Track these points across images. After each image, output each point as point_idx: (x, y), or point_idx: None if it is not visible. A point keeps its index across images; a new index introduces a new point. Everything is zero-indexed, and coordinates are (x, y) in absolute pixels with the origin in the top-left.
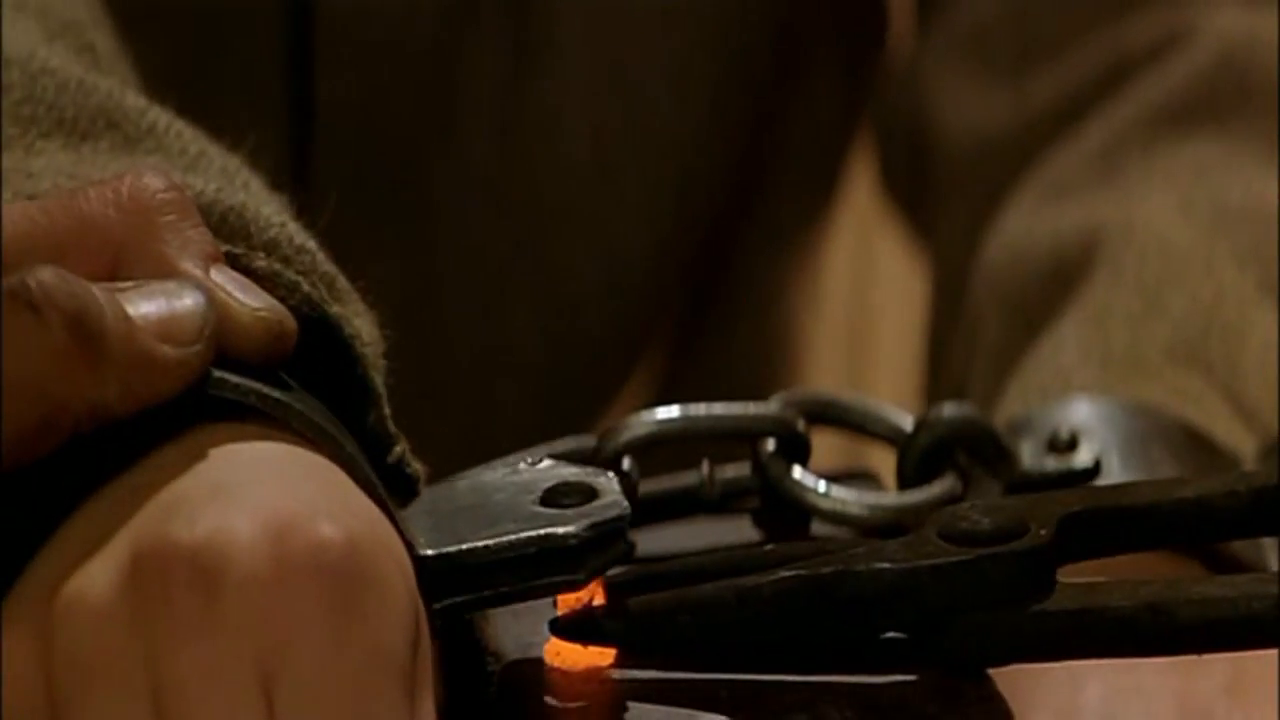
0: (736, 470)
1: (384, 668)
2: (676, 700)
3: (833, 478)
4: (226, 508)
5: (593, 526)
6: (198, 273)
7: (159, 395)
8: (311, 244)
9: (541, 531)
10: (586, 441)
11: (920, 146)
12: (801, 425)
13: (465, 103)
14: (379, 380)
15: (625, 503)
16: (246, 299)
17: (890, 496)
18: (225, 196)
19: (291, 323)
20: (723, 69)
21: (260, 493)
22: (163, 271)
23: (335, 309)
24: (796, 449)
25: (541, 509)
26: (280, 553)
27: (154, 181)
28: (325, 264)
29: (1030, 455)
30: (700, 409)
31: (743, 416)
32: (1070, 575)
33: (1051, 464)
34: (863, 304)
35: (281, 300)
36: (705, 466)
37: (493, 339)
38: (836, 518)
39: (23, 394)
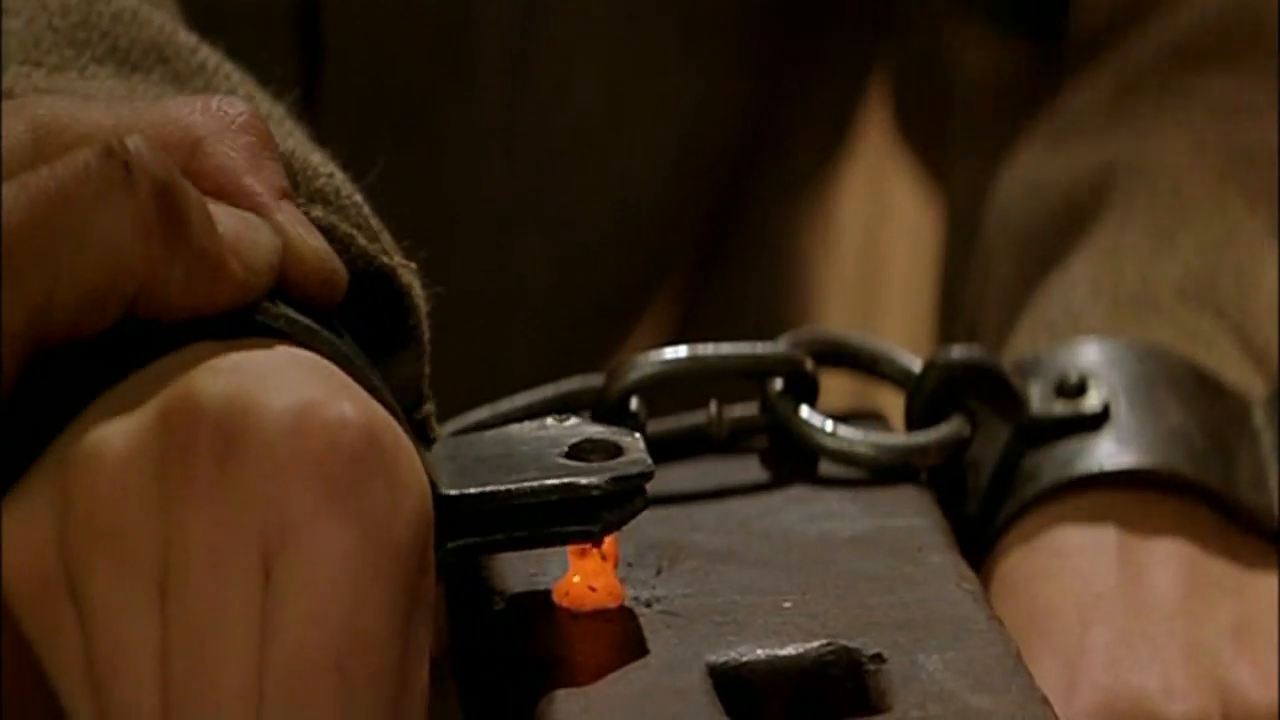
0: (745, 410)
1: (383, 559)
2: (684, 637)
3: (840, 418)
4: (257, 378)
5: (615, 480)
6: (268, 198)
7: (214, 306)
8: (358, 196)
9: (565, 480)
10: (594, 380)
11: (935, 88)
12: (810, 365)
13: (476, 46)
14: (426, 336)
15: (649, 461)
16: (308, 238)
17: (898, 437)
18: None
19: (344, 272)
20: (735, 13)
21: (286, 373)
22: (233, 187)
23: (391, 261)
24: (804, 388)
25: (566, 461)
26: (299, 426)
27: (239, 104)
28: (372, 216)
29: (1038, 399)
30: (708, 348)
31: (750, 356)
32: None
33: (1059, 408)
34: (874, 247)
35: (335, 253)
36: (713, 406)
37: (503, 282)
38: (844, 457)
39: (100, 250)
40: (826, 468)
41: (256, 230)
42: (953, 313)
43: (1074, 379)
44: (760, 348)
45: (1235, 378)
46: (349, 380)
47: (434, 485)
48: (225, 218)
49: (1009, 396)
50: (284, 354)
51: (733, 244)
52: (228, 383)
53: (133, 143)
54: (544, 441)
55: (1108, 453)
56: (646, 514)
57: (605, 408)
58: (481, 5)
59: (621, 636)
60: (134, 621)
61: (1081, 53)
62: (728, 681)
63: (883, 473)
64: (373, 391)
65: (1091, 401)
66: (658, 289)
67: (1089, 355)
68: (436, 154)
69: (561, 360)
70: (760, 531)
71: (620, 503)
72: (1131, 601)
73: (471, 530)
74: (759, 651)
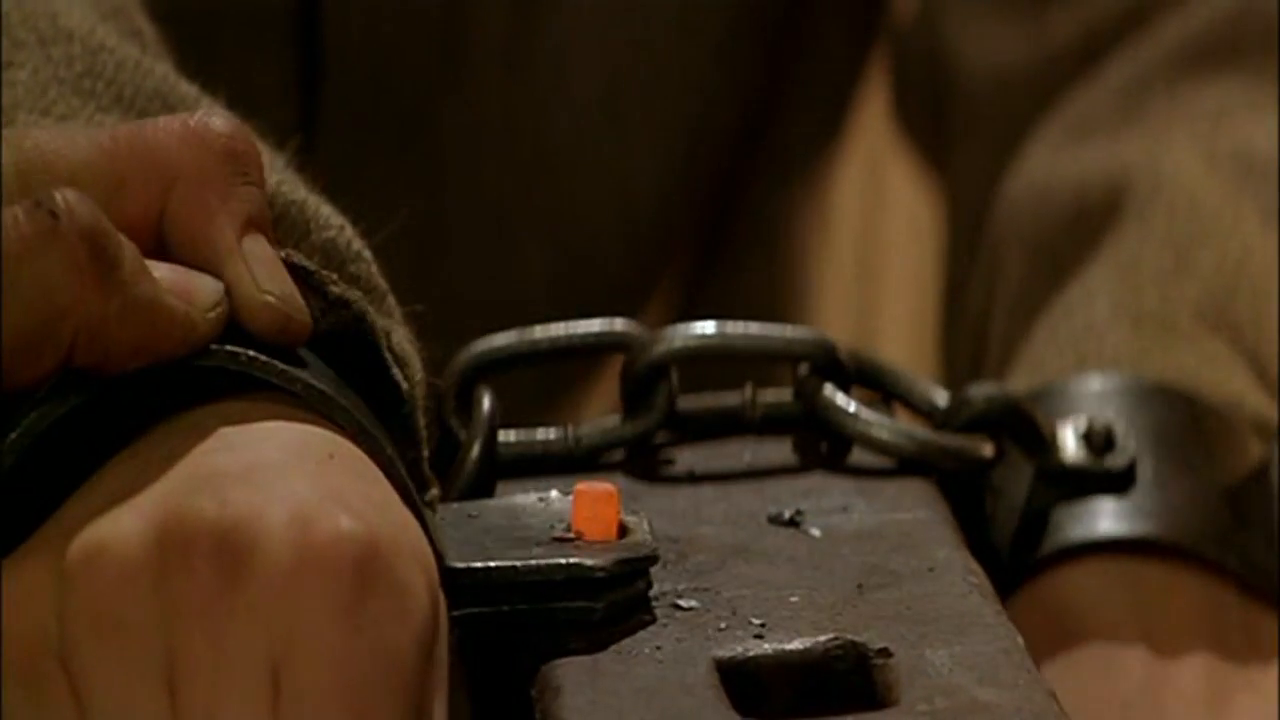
0: (778, 394)
1: (389, 673)
2: (691, 631)
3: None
4: (259, 490)
5: (621, 562)
6: (229, 234)
7: (163, 342)
8: (367, 252)
9: (572, 560)
10: (624, 325)
11: (938, 82)
12: (842, 351)
13: (474, 44)
14: (423, 422)
15: (655, 544)
16: (263, 279)
17: (921, 430)
18: (287, 190)
19: (303, 318)
20: (730, 6)
21: (294, 479)
22: (199, 221)
23: (392, 342)
24: (836, 373)
25: (571, 538)
26: (303, 543)
27: (221, 124)
28: (377, 277)
29: (1065, 447)
30: (739, 327)
31: (782, 338)
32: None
33: (1086, 460)
34: (873, 236)
35: (339, 318)
36: (748, 388)
37: (502, 279)
38: (865, 440)
39: (31, 291)
40: (835, 462)
41: (197, 276)
42: (956, 309)
43: (1100, 428)
44: (793, 330)
45: (1253, 406)
46: (361, 472)
47: (441, 557)
48: (163, 269)
49: (1036, 439)
50: (297, 441)
51: (731, 236)
52: (231, 498)
53: (60, 195)
54: (549, 515)
55: (1131, 517)
56: (654, 508)
57: (633, 379)
58: (479, 5)
59: (629, 630)
60: (144, 717)
61: (1090, 49)
62: (734, 675)
63: (901, 463)
64: (387, 465)
65: (1118, 460)
66: (657, 283)
67: (1118, 396)
68: (435, 153)
69: None
70: (768, 526)
71: (624, 584)
72: (1157, 704)
73: (474, 601)
74: (766, 646)
